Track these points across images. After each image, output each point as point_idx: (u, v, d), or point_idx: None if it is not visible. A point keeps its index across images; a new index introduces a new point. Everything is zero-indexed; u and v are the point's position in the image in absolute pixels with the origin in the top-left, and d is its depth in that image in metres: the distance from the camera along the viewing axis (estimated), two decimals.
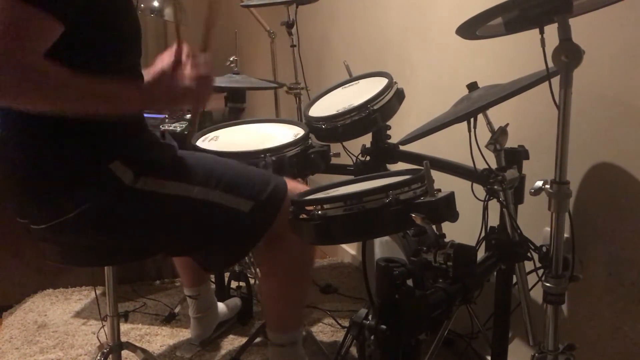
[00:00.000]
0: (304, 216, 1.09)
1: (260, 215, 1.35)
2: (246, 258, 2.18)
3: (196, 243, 1.37)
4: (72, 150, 1.20)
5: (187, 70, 1.21)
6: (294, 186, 1.44)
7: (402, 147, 1.76)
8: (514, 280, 1.36)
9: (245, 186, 1.35)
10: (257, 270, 2.13)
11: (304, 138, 1.72)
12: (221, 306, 2.05)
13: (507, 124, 1.26)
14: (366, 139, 1.82)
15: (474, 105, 1.24)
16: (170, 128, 2.05)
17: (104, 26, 1.17)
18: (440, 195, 1.07)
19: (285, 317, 1.55)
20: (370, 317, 1.07)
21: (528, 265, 1.34)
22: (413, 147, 1.57)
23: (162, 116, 2.14)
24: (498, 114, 1.30)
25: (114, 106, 1.15)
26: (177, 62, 1.23)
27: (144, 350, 1.67)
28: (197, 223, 1.33)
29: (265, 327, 1.62)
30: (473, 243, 1.28)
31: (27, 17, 1.01)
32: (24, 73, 1.01)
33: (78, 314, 2.27)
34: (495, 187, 1.27)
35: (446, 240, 1.11)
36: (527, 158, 1.37)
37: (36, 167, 1.22)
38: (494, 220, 1.36)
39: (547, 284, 1.13)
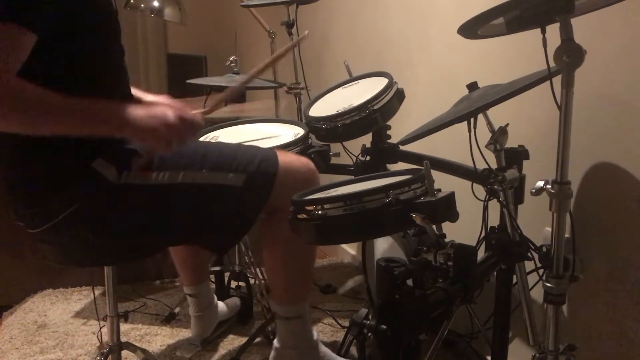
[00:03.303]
0: (304, 216, 1.09)
1: (255, 186, 1.35)
2: (246, 258, 2.18)
3: (195, 228, 1.36)
4: (54, 153, 1.19)
5: (177, 111, 1.19)
6: (286, 155, 1.44)
7: (402, 147, 1.76)
8: (514, 280, 1.36)
9: (232, 161, 1.34)
10: (257, 270, 2.13)
11: (304, 138, 1.72)
12: (221, 305, 2.04)
13: (507, 124, 1.26)
14: (366, 139, 1.82)
15: (474, 105, 1.23)
16: None
17: (79, 29, 1.16)
18: (440, 195, 1.07)
19: (289, 289, 1.54)
20: (370, 317, 1.07)
21: (528, 265, 1.34)
22: (413, 147, 1.57)
23: None
24: (498, 114, 1.30)
25: (92, 124, 1.11)
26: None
27: (144, 351, 1.67)
28: (190, 208, 1.32)
29: (273, 300, 1.61)
30: (473, 243, 1.28)
31: None
32: None
33: (78, 314, 2.27)
34: (496, 187, 1.27)
35: (446, 240, 1.11)
36: (527, 158, 1.37)
37: (22, 173, 1.23)
38: (494, 220, 1.35)
39: (548, 284, 1.13)
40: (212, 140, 1.76)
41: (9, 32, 1.01)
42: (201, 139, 1.77)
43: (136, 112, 1.14)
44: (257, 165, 1.36)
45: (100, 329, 1.98)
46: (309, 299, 1.58)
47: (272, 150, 1.43)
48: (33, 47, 1.06)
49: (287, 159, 1.43)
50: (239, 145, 1.45)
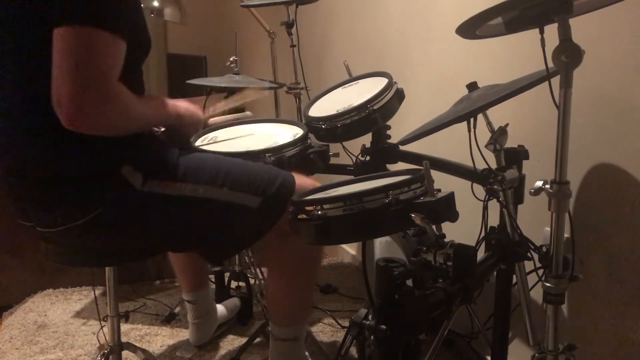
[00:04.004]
0: (304, 216, 1.09)
1: (268, 210, 1.36)
2: (246, 258, 2.18)
3: (203, 239, 1.37)
4: (84, 156, 1.19)
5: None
6: (302, 181, 1.44)
7: (402, 147, 1.76)
8: (514, 280, 1.36)
9: (253, 183, 1.36)
10: (257, 270, 2.13)
11: (303, 138, 1.72)
12: (220, 309, 2.04)
13: (507, 124, 1.26)
14: (366, 139, 1.82)
15: (474, 105, 1.23)
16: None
17: (136, 38, 1.19)
18: (440, 195, 1.07)
19: (290, 313, 1.54)
20: (370, 317, 1.07)
21: (528, 265, 1.34)
22: (413, 147, 1.57)
23: None
24: (498, 114, 1.30)
25: (162, 116, 1.32)
26: None
27: (144, 351, 1.67)
28: (204, 221, 1.33)
29: (269, 320, 1.60)
30: (473, 243, 1.28)
31: (100, 40, 1.05)
32: (108, 99, 1.07)
33: (78, 314, 2.27)
34: (495, 187, 1.27)
35: (446, 240, 1.11)
36: (527, 158, 1.37)
37: (47, 173, 1.21)
38: (494, 220, 1.35)
39: (547, 284, 1.13)
40: (211, 140, 1.76)
41: (110, 40, 1.07)
42: (201, 138, 1.77)
43: (181, 104, 1.37)
44: (276, 190, 1.37)
45: (101, 328, 1.98)
46: (306, 323, 1.59)
47: (291, 175, 1.43)
48: None
49: (303, 183, 1.43)
50: (262, 166, 1.45)
